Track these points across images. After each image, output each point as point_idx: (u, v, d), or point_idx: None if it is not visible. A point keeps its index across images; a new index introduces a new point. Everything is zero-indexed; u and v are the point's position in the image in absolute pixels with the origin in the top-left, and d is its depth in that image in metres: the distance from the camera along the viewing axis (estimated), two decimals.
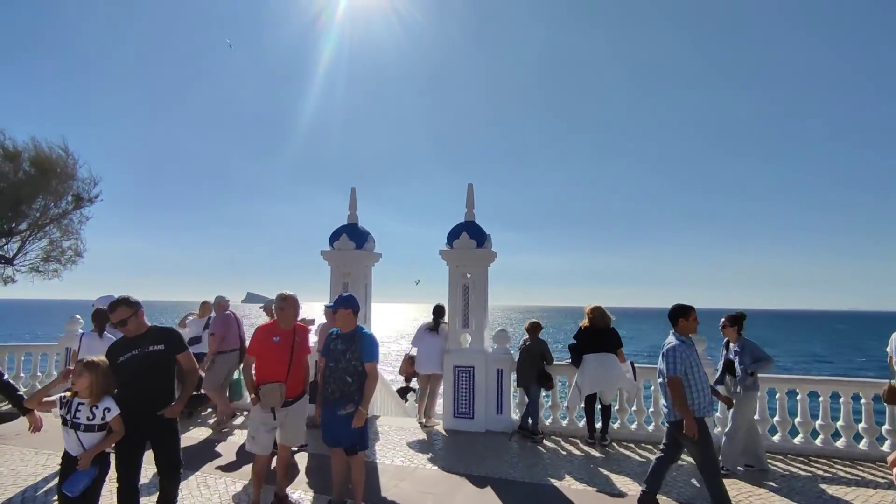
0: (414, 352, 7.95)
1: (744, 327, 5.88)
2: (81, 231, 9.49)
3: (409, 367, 7.94)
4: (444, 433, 7.23)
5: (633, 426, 6.99)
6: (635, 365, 6.75)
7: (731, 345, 5.85)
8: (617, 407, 7.04)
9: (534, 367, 6.99)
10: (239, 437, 6.79)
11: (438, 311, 7.87)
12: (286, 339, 4.55)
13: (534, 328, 7.21)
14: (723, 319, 5.90)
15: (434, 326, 7.81)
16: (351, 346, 4.26)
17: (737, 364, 5.65)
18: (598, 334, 6.66)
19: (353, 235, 8.11)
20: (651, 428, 6.93)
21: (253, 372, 4.57)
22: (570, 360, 6.99)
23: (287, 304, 4.57)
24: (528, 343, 7.14)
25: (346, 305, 4.36)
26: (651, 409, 6.96)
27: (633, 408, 7.01)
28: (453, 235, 7.68)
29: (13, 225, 8.29)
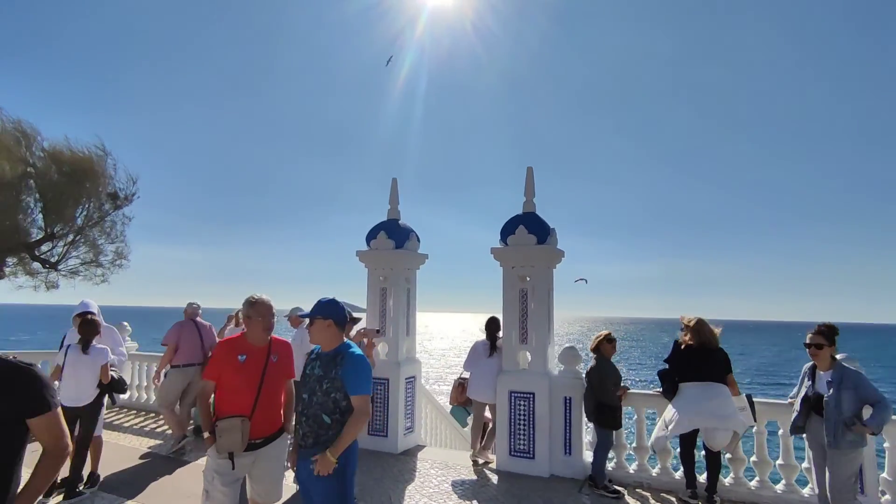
0: (467, 375, 6.60)
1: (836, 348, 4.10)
2: (125, 233, 9.20)
3: (460, 394, 6.55)
4: (498, 475, 5.78)
5: (754, 483, 5.13)
6: (753, 399, 4.94)
7: (821, 372, 4.09)
8: (729, 455, 5.22)
9: (591, 398, 5.41)
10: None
11: (493, 326, 6.47)
12: (255, 359, 3.38)
13: (600, 346, 5.57)
14: (812, 335, 4.12)
15: (490, 345, 6.42)
16: (331, 372, 3.00)
17: (830, 401, 3.89)
18: (701, 356, 4.93)
19: (392, 233, 6.93)
20: (780, 488, 5.04)
21: (212, 402, 3.44)
22: (660, 390, 5.30)
23: (256, 311, 3.41)
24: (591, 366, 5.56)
25: (325, 314, 3.10)
26: (779, 461, 5.08)
27: (754, 457, 5.16)
28: (508, 230, 6.26)
29: (55, 228, 8.07)
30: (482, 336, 6.64)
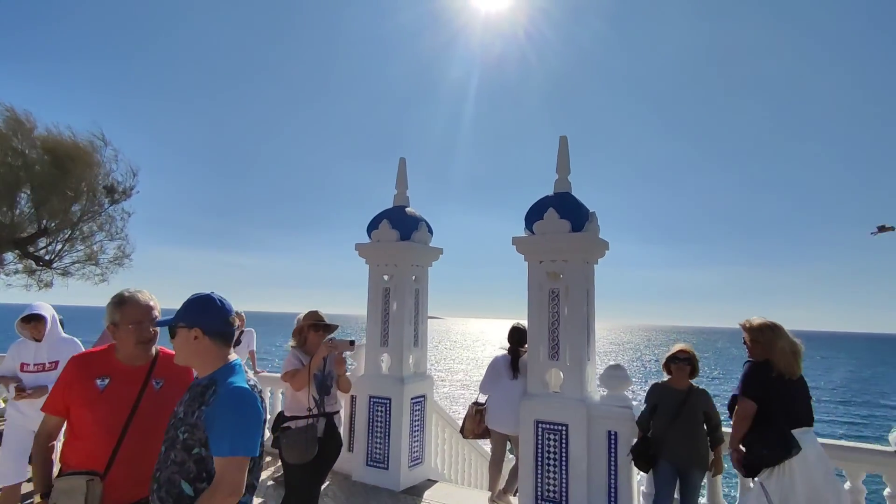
0: (483, 399, 5.32)
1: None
2: (126, 230, 8.53)
3: (476, 424, 5.26)
4: None
5: None
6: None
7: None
8: None
9: (693, 436, 3.94)
10: None
11: (516, 338, 5.17)
12: (124, 386, 2.27)
13: (680, 366, 4.12)
14: None
15: (513, 363, 5.13)
16: (192, 415, 1.84)
17: None
18: (791, 389, 3.44)
19: (397, 222, 5.76)
20: None
21: (57, 449, 2.35)
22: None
23: (126, 315, 2.30)
24: (680, 390, 4.10)
25: (190, 319, 1.94)
26: None
27: None
28: (534, 215, 4.95)
29: (47, 223, 7.48)
30: (503, 350, 5.36)
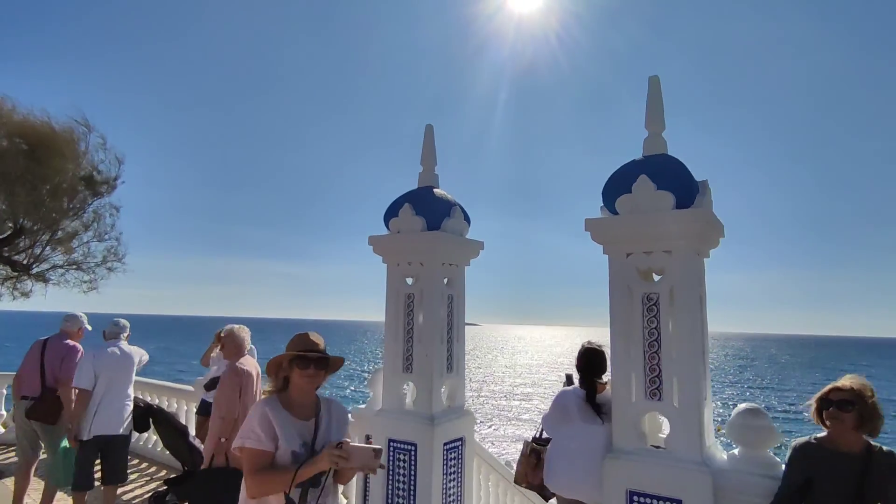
0: (543, 434, 3.82)
1: None
2: (116, 228, 7.41)
3: (531, 469, 3.75)
4: None
5: None
6: None
7: None
8: None
9: None
10: None
11: (592, 365, 3.65)
12: None
13: (838, 414, 2.53)
14: None
15: (588, 398, 3.60)
16: None
17: None
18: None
19: (422, 207, 4.34)
20: None
21: None
22: None
23: None
24: (849, 454, 2.51)
25: None
26: None
27: None
28: (617, 186, 3.43)
29: (23, 222, 6.43)
30: (569, 379, 3.86)
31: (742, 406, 3.11)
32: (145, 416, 5.05)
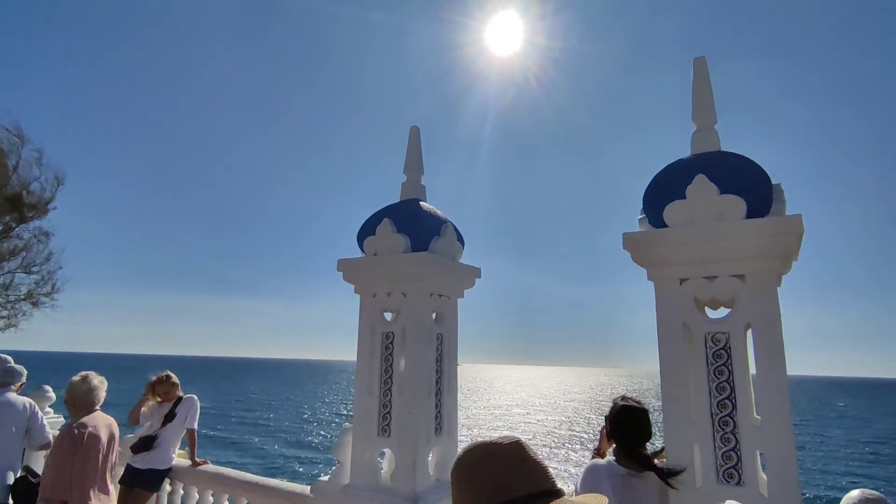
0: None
1: None
2: (52, 259, 6.31)
3: None
4: None
5: None
6: None
7: None
8: None
9: None
10: None
11: (636, 429, 2.72)
12: None
13: None
14: None
15: (635, 471, 2.66)
16: None
17: None
18: None
19: (405, 223, 3.46)
20: None
21: None
22: None
23: None
24: None
25: None
26: None
27: None
28: (666, 189, 2.63)
29: None
30: (598, 446, 2.94)
31: (857, 494, 2.22)
32: (28, 494, 3.87)
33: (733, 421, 2.31)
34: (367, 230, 3.59)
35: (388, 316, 3.55)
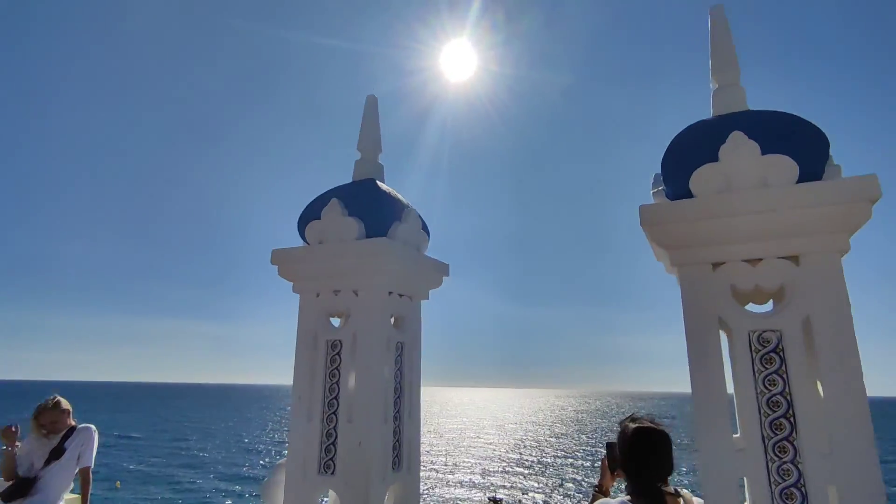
0: None
1: None
2: None
3: None
4: None
5: None
6: None
7: None
8: None
9: None
10: None
11: (658, 458, 2.11)
12: None
13: None
14: None
15: None
16: None
17: None
18: None
19: (358, 205, 2.79)
20: None
21: None
22: None
23: None
24: None
25: None
26: None
27: None
28: (309, 214, 2.20)
29: None
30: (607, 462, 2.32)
31: None
32: None
33: (793, 447, 1.75)
34: (310, 214, 2.89)
35: (335, 322, 2.84)
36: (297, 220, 2.95)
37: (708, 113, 2.31)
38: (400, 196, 3.04)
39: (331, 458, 2.56)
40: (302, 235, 2.89)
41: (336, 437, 2.57)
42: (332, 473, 2.54)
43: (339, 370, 2.66)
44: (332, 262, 2.70)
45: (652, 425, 2.07)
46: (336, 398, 2.63)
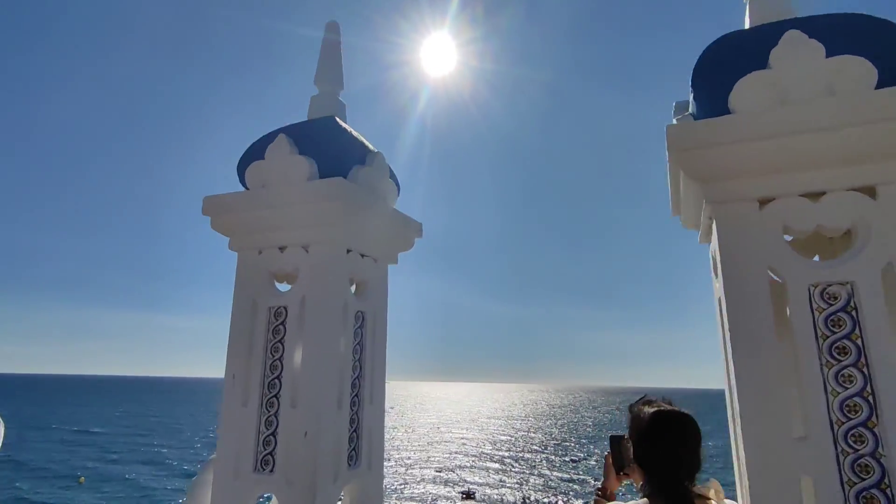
0: None
1: None
2: None
3: None
4: None
5: None
6: None
7: None
8: None
9: None
10: None
11: (687, 451, 1.63)
12: None
13: None
14: None
15: None
16: None
17: None
18: None
19: (311, 143, 2.27)
20: None
21: None
22: None
23: None
24: None
25: None
26: None
27: None
28: (252, 154, 2.00)
29: None
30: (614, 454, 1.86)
31: None
32: None
33: (874, 436, 1.32)
34: (252, 154, 2.36)
35: (280, 286, 2.33)
36: (237, 163, 2.41)
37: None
38: (365, 140, 2.53)
39: (270, 453, 2.05)
40: (242, 181, 2.35)
41: (277, 425, 2.06)
42: (271, 471, 2.03)
43: (282, 343, 2.15)
44: (277, 211, 2.17)
45: (670, 407, 1.60)
46: (279, 378, 2.12)
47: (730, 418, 1.62)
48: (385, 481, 2.60)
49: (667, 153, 1.61)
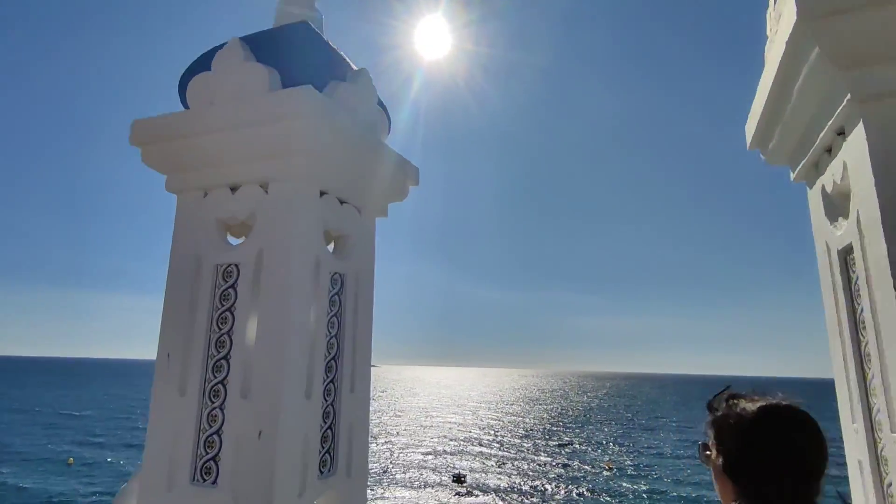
0: None
1: None
2: None
3: None
4: None
5: None
6: None
7: None
8: None
9: None
10: None
11: (811, 455, 1.09)
12: None
13: None
14: None
15: None
16: None
17: None
18: None
19: (273, 50, 1.72)
20: None
21: None
22: None
23: None
24: None
25: None
26: None
27: None
28: (198, 65, 1.72)
29: None
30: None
31: None
32: None
33: None
34: (197, 67, 1.79)
35: (232, 238, 1.78)
36: (178, 80, 1.85)
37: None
38: (348, 57, 1.97)
39: (212, 458, 1.52)
40: (183, 100, 1.79)
41: (223, 421, 1.53)
42: (214, 483, 1.50)
43: (232, 313, 1.60)
44: (226, 135, 1.61)
45: (781, 402, 1.06)
46: (226, 358, 1.58)
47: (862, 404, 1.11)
48: (372, 466, 2.10)
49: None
